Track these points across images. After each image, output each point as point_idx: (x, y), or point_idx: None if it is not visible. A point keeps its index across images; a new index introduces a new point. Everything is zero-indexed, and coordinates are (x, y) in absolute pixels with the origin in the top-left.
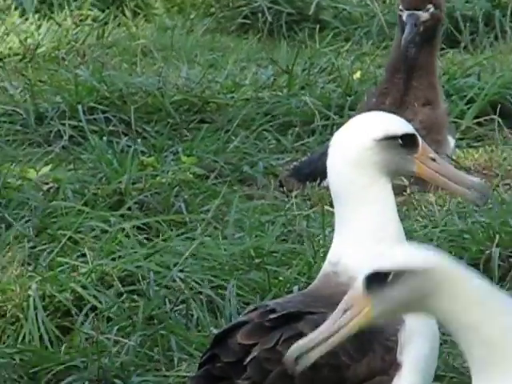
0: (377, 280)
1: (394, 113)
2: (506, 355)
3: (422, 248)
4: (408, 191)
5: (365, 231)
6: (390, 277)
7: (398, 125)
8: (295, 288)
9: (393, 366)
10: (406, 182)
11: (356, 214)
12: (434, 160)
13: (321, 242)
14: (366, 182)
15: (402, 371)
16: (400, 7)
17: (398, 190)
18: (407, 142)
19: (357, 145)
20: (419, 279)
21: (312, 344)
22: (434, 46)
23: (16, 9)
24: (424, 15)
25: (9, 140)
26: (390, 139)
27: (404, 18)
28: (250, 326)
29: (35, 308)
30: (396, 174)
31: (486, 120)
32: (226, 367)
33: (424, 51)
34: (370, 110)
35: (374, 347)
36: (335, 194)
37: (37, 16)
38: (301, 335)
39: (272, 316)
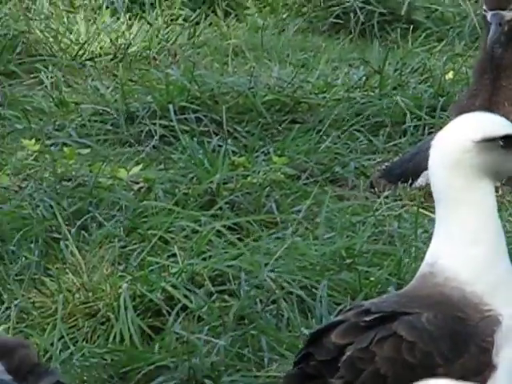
0: None
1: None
2: None
3: None
4: (500, 192)
5: (463, 232)
6: None
7: (498, 126)
8: (389, 288)
9: (488, 368)
10: (498, 183)
11: (454, 216)
12: None
13: (413, 242)
14: (464, 184)
15: (496, 373)
16: (484, 7)
17: None
18: (509, 143)
19: (455, 147)
20: None
21: None
22: None
23: (107, 8)
24: (508, 14)
25: (99, 140)
26: (489, 141)
27: (488, 18)
28: (345, 326)
29: (126, 308)
30: (499, 176)
31: None
32: (320, 366)
33: (510, 50)
34: (460, 111)
35: (469, 348)
36: (436, 195)
37: (128, 16)
38: (394, 335)
39: (367, 317)
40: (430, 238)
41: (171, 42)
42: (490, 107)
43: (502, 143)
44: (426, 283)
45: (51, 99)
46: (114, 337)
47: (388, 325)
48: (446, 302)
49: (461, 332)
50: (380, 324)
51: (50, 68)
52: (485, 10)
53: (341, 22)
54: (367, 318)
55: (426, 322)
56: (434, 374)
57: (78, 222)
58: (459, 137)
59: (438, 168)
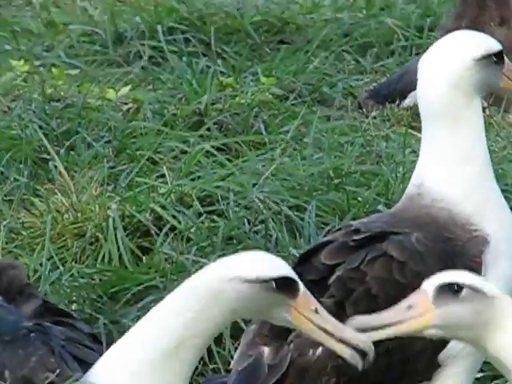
0: (447, 292)
1: None
2: None
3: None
4: (487, 112)
5: (453, 152)
6: (463, 293)
7: (491, 42)
8: (379, 207)
9: None
10: (485, 104)
11: (448, 135)
12: None
13: (400, 162)
14: (463, 102)
15: None
16: None
17: None
18: (499, 58)
19: (457, 65)
20: (487, 304)
21: (369, 325)
22: None
23: None
24: None
25: (88, 60)
26: (487, 58)
27: None
28: (334, 246)
29: (115, 228)
30: (485, 92)
31: None
32: (310, 286)
33: None
34: (447, 32)
35: (457, 268)
36: (427, 113)
37: None
38: (385, 255)
39: (357, 236)
40: (417, 158)
41: None
42: (475, 27)
43: (495, 59)
44: (414, 204)
45: (40, 20)
46: (103, 257)
47: (378, 245)
48: (433, 223)
49: (449, 252)
50: (369, 244)
51: None
52: None
53: None
54: (356, 238)
55: (416, 243)
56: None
57: (67, 143)
58: (460, 55)
59: (437, 86)
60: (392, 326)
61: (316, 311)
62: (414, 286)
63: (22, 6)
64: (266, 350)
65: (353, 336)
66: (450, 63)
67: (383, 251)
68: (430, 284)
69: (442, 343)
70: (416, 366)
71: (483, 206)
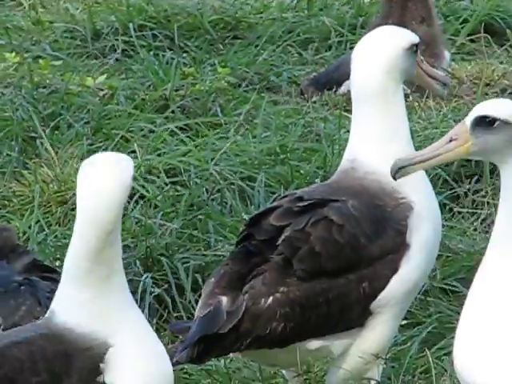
0: (483, 123)
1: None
2: None
3: None
4: (410, 98)
5: (380, 131)
6: (496, 124)
7: (412, 35)
8: (316, 180)
9: (402, 247)
10: (408, 90)
11: (378, 116)
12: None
13: (336, 140)
14: (392, 87)
15: (410, 251)
16: None
17: None
18: (416, 48)
19: (388, 53)
20: None
21: (416, 160)
22: None
23: None
24: None
25: (70, 53)
26: (411, 48)
27: None
28: (281, 210)
29: None
30: (406, 78)
31: (477, 37)
32: (260, 244)
33: None
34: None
35: (386, 231)
36: (358, 95)
37: None
38: (326, 219)
39: (300, 203)
40: None
41: None
42: (400, 25)
43: (415, 49)
44: (348, 177)
45: (29, 19)
46: None
47: (320, 210)
48: (366, 192)
49: (379, 217)
50: (312, 209)
51: None
52: None
53: None
54: (300, 204)
55: (352, 208)
56: (358, 252)
57: (52, 124)
58: (392, 44)
59: (370, 71)
60: (441, 156)
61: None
62: (351, 244)
63: (13, 6)
64: (224, 299)
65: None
66: (383, 52)
67: (324, 215)
68: (469, 117)
69: (374, 294)
70: (351, 314)
71: (408, 177)
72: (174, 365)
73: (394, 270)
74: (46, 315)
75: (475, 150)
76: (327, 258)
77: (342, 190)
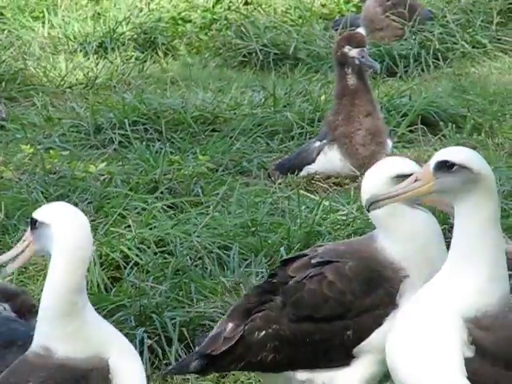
0: (443, 167)
1: (346, 125)
2: (473, 254)
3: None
4: None
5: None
6: (454, 168)
7: (401, 167)
8: (281, 249)
9: (390, 306)
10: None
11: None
12: None
13: (298, 215)
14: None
15: (397, 311)
16: (348, 47)
17: None
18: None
19: (379, 182)
20: (471, 177)
21: (386, 196)
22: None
23: (80, 51)
24: (368, 51)
25: (76, 145)
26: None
27: (354, 53)
28: (298, 263)
29: (94, 264)
30: None
31: (415, 128)
32: (275, 286)
33: (359, 81)
34: (329, 123)
35: (378, 290)
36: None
37: (95, 56)
38: (321, 275)
39: (313, 260)
40: (310, 211)
41: (126, 75)
42: (349, 119)
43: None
44: (362, 242)
45: (41, 116)
46: (87, 284)
47: (322, 267)
48: (369, 258)
49: (374, 279)
50: (318, 266)
51: (41, 94)
52: (349, 49)
53: (246, 59)
54: (313, 261)
55: (348, 269)
56: (344, 306)
57: None
58: (382, 174)
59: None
60: (406, 193)
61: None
62: (337, 299)
63: (28, 106)
64: (229, 326)
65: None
66: (375, 180)
67: (321, 272)
68: (432, 161)
69: (357, 342)
70: (334, 355)
71: (412, 256)
72: (187, 372)
73: (378, 325)
74: (41, 353)
75: (435, 189)
76: (314, 306)
77: (351, 253)
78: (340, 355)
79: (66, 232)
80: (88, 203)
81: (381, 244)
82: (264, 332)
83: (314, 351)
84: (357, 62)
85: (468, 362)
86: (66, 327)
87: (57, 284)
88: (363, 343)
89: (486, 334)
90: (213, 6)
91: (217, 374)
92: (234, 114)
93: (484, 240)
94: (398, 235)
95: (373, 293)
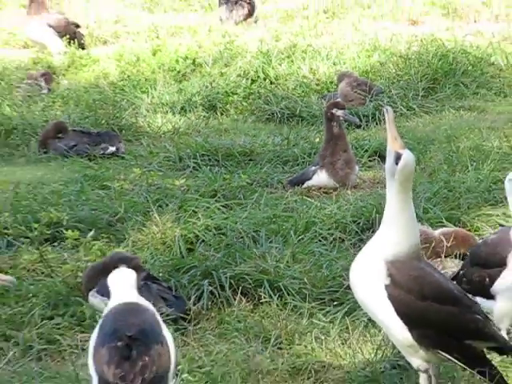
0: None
1: (331, 157)
2: (392, 219)
3: None
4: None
5: None
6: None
7: None
8: (291, 232)
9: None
10: None
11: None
12: None
13: (301, 211)
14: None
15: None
16: (335, 108)
17: None
18: None
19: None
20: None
21: None
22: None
23: (170, 112)
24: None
25: (167, 168)
26: None
27: (339, 113)
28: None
29: (179, 240)
30: None
31: (373, 159)
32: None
33: (340, 128)
34: (320, 156)
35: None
36: None
37: (179, 115)
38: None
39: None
40: (308, 209)
41: (198, 126)
42: (333, 153)
43: None
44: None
45: (146, 151)
46: (172, 253)
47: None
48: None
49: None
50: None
51: (146, 137)
52: (336, 110)
53: (270, 117)
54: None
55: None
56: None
57: None
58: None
59: None
60: None
61: None
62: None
63: (138, 145)
64: None
65: None
66: None
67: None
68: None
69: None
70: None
71: None
72: None
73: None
74: None
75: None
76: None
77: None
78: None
79: None
80: (174, 204)
81: None
82: None
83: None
84: (341, 118)
85: (386, 286)
86: None
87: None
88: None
89: (397, 271)
90: (250, 85)
91: (251, 306)
92: (263, 149)
93: (400, 210)
94: None
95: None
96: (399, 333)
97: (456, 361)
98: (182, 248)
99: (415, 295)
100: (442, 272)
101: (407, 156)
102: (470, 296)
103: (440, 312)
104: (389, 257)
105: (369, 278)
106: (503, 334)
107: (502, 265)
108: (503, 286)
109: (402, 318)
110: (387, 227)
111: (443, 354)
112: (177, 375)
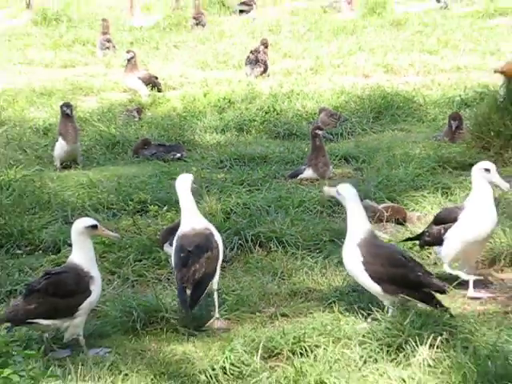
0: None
1: (315, 159)
2: (354, 222)
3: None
4: None
5: None
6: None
7: None
8: (290, 207)
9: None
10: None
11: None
12: None
13: (296, 194)
14: None
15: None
16: (318, 130)
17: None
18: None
19: None
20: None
21: None
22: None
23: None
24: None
25: (212, 166)
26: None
27: (321, 133)
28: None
29: (218, 213)
30: None
31: (341, 161)
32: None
33: (321, 141)
34: (308, 159)
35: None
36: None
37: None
38: None
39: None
40: (301, 193)
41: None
42: (316, 158)
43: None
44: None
45: (200, 156)
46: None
47: None
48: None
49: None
50: None
51: (198, 149)
52: (319, 131)
53: (278, 135)
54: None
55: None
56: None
57: None
58: None
59: None
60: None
61: None
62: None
63: (195, 153)
64: None
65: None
66: None
67: None
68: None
69: None
70: None
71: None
72: None
73: None
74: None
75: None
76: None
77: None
78: None
79: None
80: (216, 189)
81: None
82: None
83: None
84: (321, 136)
85: (362, 263)
86: None
87: None
88: None
89: (366, 251)
90: (264, 115)
91: (265, 253)
92: (272, 155)
93: (356, 217)
94: None
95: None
96: (373, 287)
97: (410, 298)
98: (222, 217)
99: (379, 265)
100: (383, 231)
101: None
102: (418, 258)
103: (395, 273)
104: (358, 241)
105: (351, 258)
106: (446, 267)
107: (455, 221)
108: (451, 232)
109: (373, 279)
110: (351, 229)
111: (402, 295)
112: (218, 296)
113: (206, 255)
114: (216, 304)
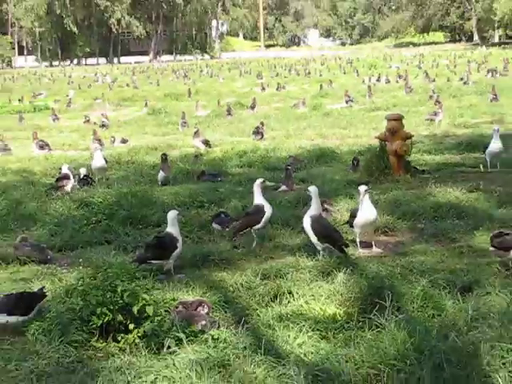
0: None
1: (288, 182)
2: (313, 206)
3: None
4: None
5: None
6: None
7: None
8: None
9: None
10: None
11: None
12: None
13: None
14: None
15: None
16: (289, 166)
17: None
18: None
19: None
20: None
21: None
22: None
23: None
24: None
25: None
26: None
27: (290, 168)
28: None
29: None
30: None
31: (300, 182)
32: None
33: (290, 173)
34: (284, 183)
35: None
36: None
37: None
38: None
39: None
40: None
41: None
42: (288, 181)
43: None
44: None
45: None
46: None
47: None
48: None
49: None
50: None
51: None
52: (289, 165)
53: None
54: None
55: None
56: None
57: None
58: None
59: None
60: None
61: None
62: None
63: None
64: None
65: None
66: None
67: None
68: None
69: None
70: None
71: None
72: None
73: None
74: None
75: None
76: None
77: None
78: None
79: None
80: (228, 187)
81: None
82: None
83: None
84: (291, 170)
85: (310, 224)
86: None
87: None
88: None
89: (314, 222)
90: (261, 159)
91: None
92: (264, 176)
93: (314, 204)
94: None
95: None
96: (313, 239)
97: (331, 247)
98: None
99: (320, 230)
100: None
101: (313, 188)
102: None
103: (326, 233)
104: (311, 216)
105: (306, 224)
106: (356, 237)
107: (353, 216)
108: (356, 220)
109: (316, 236)
110: (310, 210)
111: (327, 245)
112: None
113: (250, 217)
114: (254, 242)
